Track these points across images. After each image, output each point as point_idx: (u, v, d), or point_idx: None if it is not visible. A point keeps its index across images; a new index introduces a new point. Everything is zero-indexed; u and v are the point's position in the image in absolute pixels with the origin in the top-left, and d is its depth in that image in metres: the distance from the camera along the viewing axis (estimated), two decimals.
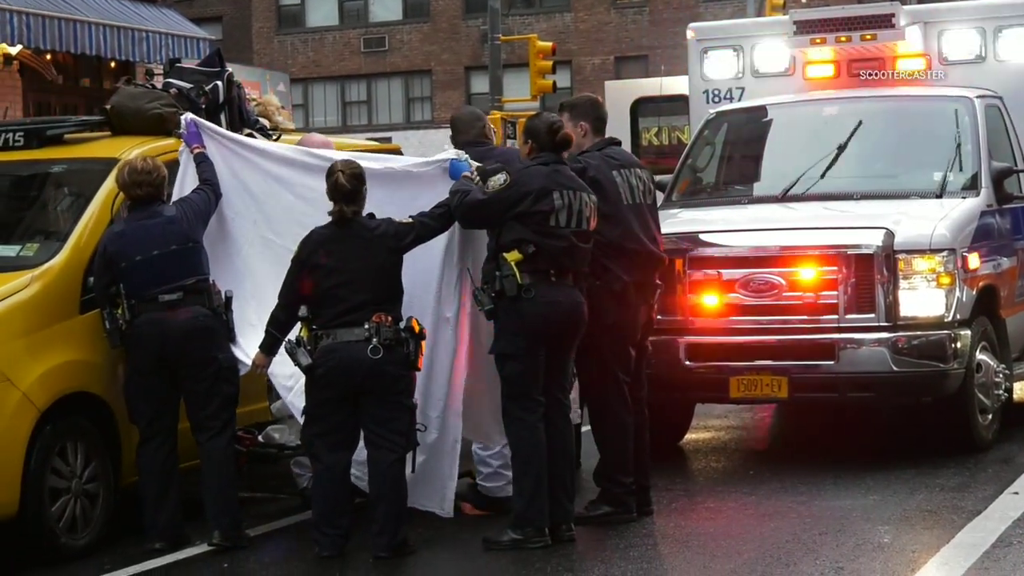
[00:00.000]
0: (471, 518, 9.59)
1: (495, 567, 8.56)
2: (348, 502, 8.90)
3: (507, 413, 8.94)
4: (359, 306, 8.66)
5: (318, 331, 8.71)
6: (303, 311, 8.81)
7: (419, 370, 8.84)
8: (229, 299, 9.23)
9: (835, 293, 10.70)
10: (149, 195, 9.19)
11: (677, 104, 20.58)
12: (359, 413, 8.73)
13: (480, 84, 49.56)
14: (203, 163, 9.58)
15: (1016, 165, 12.33)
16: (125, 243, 9.08)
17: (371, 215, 8.90)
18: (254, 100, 11.30)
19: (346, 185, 8.75)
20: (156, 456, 9.08)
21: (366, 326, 8.62)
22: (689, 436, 12.13)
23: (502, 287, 8.74)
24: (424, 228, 8.88)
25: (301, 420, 8.99)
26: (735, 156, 13.17)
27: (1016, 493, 9.90)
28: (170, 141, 10.12)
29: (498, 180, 8.79)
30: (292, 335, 8.89)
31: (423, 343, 8.79)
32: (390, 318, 8.67)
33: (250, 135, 10.67)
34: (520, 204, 8.74)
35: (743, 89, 13.57)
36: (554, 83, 32.92)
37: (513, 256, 8.72)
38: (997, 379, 11.41)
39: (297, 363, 8.76)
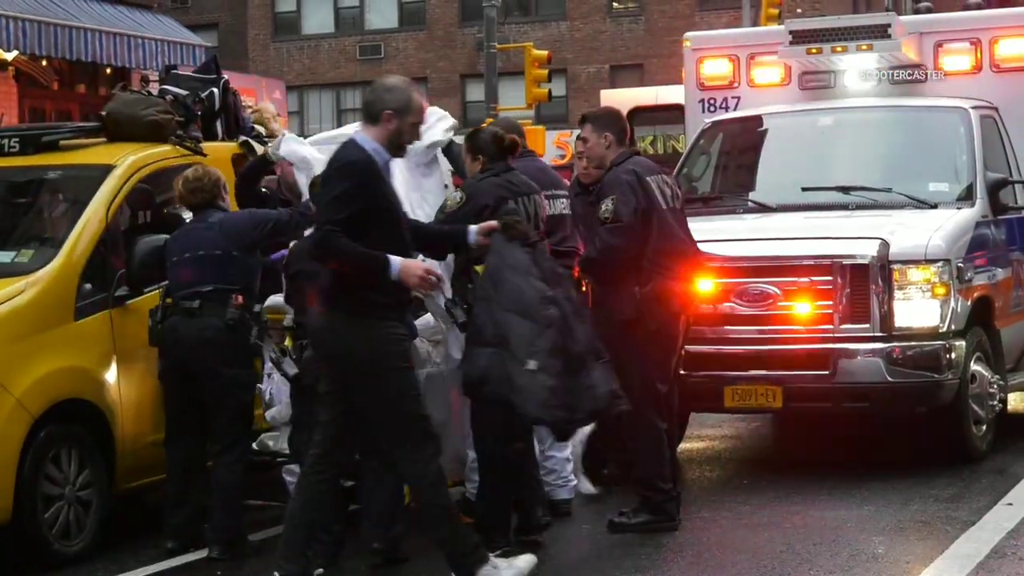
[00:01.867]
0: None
1: None
2: (342, 510, 8.87)
3: (472, 416, 8.96)
4: None
5: (304, 341, 8.70)
6: (288, 320, 8.87)
7: None
8: (256, 314, 9.20)
9: (830, 303, 10.71)
10: (205, 201, 9.33)
11: (673, 113, 20.58)
12: None
13: (476, 92, 49.56)
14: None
15: (1011, 176, 12.34)
16: (173, 242, 9.31)
17: None
18: (250, 107, 11.32)
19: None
20: (176, 456, 9.17)
21: None
22: (683, 446, 12.11)
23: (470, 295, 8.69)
24: None
25: None
26: (730, 166, 13.17)
27: (1010, 504, 9.90)
28: (165, 148, 10.14)
29: (454, 198, 8.83)
30: (274, 347, 8.95)
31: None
32: None
33: (245, 143, 10.68)
34: (479, 218, 8.66)
35: (739, 98, 13.58)
36: (549, 91, 32.96)
37: (482, 268, 8.66)
38: (992, 390, 11.41)
39: (283, 373, 8.80)
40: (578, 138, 9.67)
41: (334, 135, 9.73)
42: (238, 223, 9.29)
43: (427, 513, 7.84)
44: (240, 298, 9.10)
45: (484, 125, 9.50)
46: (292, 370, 8.72)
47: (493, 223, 8.30)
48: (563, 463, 9.90)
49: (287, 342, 8.83)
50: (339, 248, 7.46)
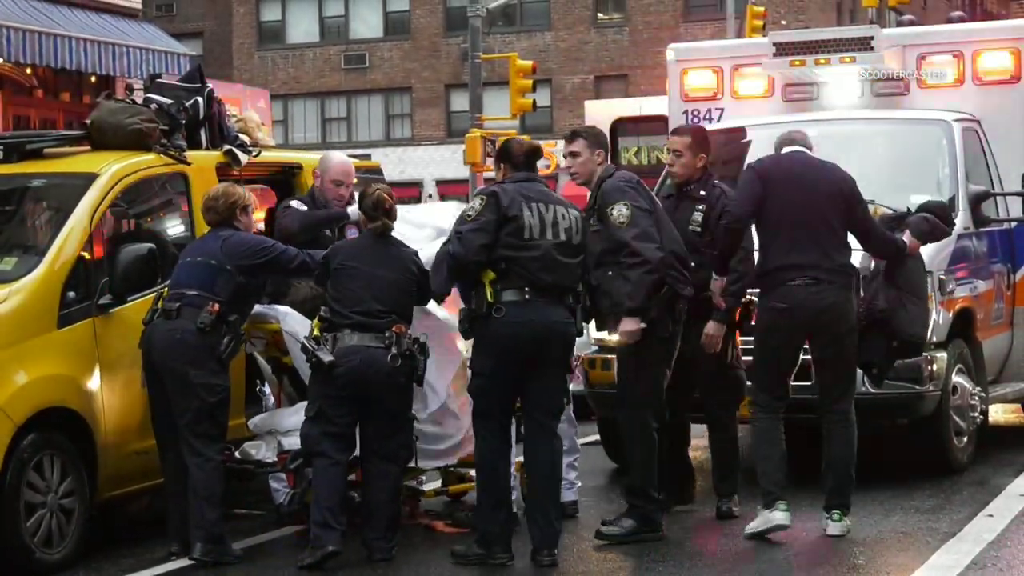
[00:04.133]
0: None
1: None
2: (348, 501, 9.19)
3: (474, 428, 9.04)
4: (381, 314, 8.96)
5: (337, 332, 8.93)
6: (324, 311, 9.07)
7: (421, 386, 9.20)
8: (231, 323, 9.20)
9: None
10: (216, 221, 9.45)
11: (656, 124, 20.58)
12: (360, 419, 9.03)
13: (460, 102, 49.61)
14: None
15: (993, 188, 12.38)
16: (187, 248, 9.53)
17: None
18: (234, 116, 11.30)
19: (387, 199, 9.20)
20: (170, 459, 9.23)
21: (386, 333, 8.90)
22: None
23: (476, 305, 8.77)
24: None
25: None
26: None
27: (991, 515, 9.93)
28: (149, 157, 10.13)
29: (474, 205, 8.86)
30: (307, 333, 9.16)
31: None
32: (407, 331, 8.99)
33: (230, 152, 10.68)
34: (500, 224, 8.75)
35: (722, 110, 13.60)
36: (534, 102, 32.97)
37: (487, 275, 8.74)
38: (973, 401, 11.44)
39: (317, 359, 8.89)
40: (567, 154, 9.62)
41: (428, 210, 10.08)
42: (240, 243, 9.36)
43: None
44: (216, 306, 9.12)
45: (510, 138, 9.56)
46: (328, 357, 8.85)
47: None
48: (570, 467, 10.08)
49: (314, 331, 9.00)
50: None
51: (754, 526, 9.43)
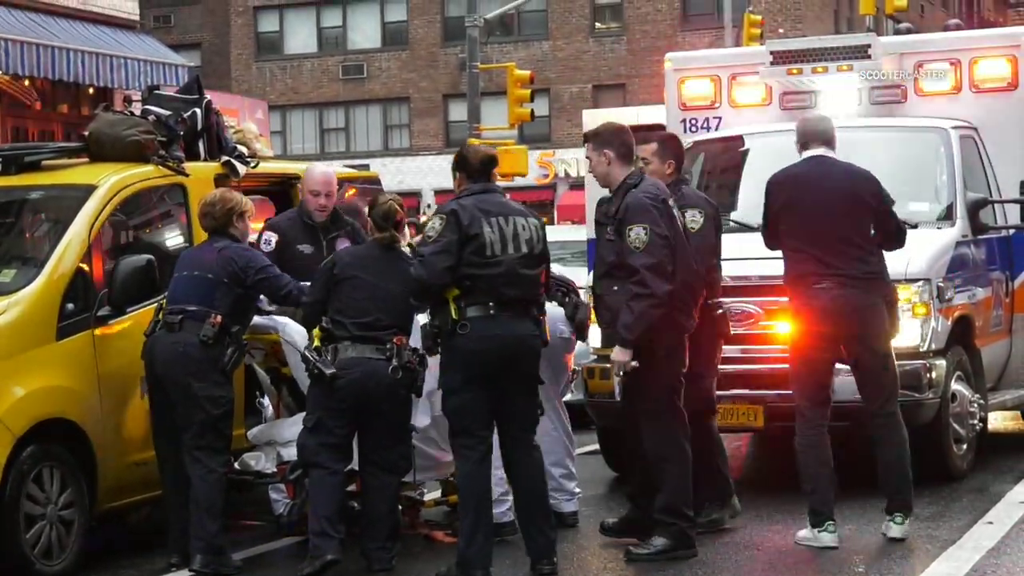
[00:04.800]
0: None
1: None
2: (347, 511, 9.20)
3: (452, 449, 8.93)
4: (384, 326, 8.95)
5: (338, 343, 8.91)
6: (324, 321, 9.03)
7: (420, 396, 9.20)
8: (234, 334, 9.20)
9: None
10: (212, 227, 9.44)
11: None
12: (360, 430, 9.03)
13: (458, 112, 49.63)
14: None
15: (991, 196, 12.39)
16: (182, 259, 9.49)
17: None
18: (232, 127, 11.31)
19: (399, 211, 9.22)
20: (171, 471, 9.24)
21: (388, 345, 8.90)
22: None
23: (441, 322, 8.68)
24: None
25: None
26: (712, 185, 13.17)
27: (991, 523, 9.93)
28: (148, 168, 10.14)
29: (435, 225, 8.70)
30: (306, 343, 9.15)
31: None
32: (408, 343, 8.98)
33: (228, 163, 10.69)
34: (462, 243, 8.66)
35: (720, 119, 13.62)
36: (532, 111, 32.98)
37: (451, 292, 8.64)
38: (972, 409, 11.44)
39: (319, 371, 8.84)
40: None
41: None
42: (237, 257, 9.31)
43: None
44: (219, 318, 9.12)
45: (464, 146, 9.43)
46: (329, 369, 8.82)
47: None
48: (568, 477, 10.13)
49: (315, 342, 8.96)
50: None
51: (802, 537, 9.49)
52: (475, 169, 8.90)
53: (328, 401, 8.92)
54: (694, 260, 9.36)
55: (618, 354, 9.10)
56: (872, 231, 9.65)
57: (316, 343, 9.00)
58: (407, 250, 9.25)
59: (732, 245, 11.71)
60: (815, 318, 9.47)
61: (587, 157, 9.61)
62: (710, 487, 9.80)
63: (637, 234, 9.00)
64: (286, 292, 9.43)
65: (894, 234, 9.81)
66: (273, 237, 10.36)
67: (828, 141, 9.87)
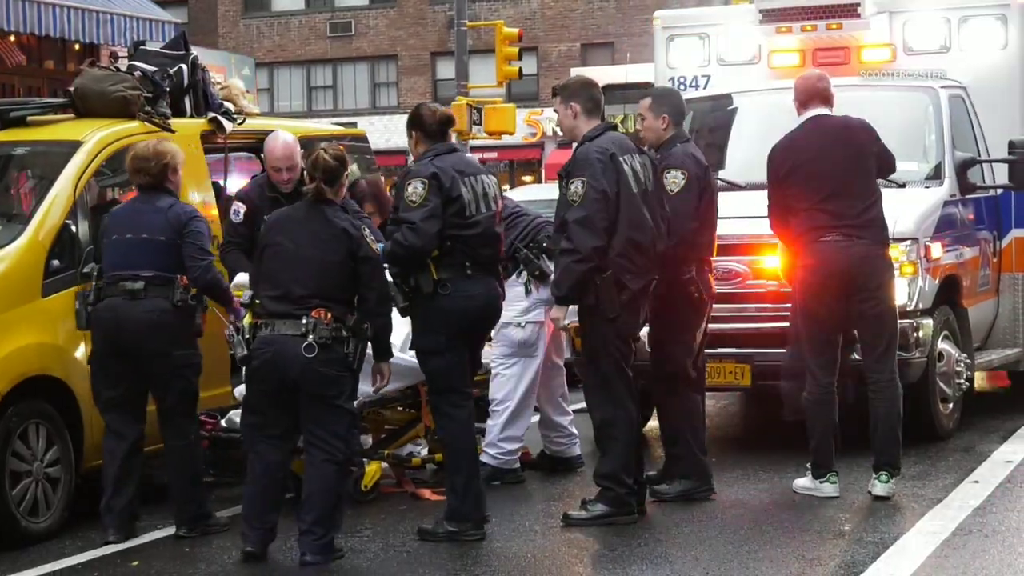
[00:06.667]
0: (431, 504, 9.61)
1: (433, 565, 8.33)
2: (279, 498, 8.57)
3: (436, 409, 8.90)
4: (296, 298, 8.21)
5: (259, 320, 8.28)
6: (245, 297, 8.56)
7: (357, 372, 8.40)
8: (199, 295, 8.99)
9: None
10: (149, 183, 9.05)
11: (643, 91, 20.56)
12: (299, 408, 8.31)
13: (446, 70, 49.48)
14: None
15: (979, 155, 12.38)
16: (114, 220, 9.05)
17: (354, 211, 9.06)
18: (219, 84, 11.28)
19: (329, 162, 8.34)
20: (119, 442, 8.95)
21: (304, 320, 8.14)
22: (651, 424, 12.13)
23: (418, 284, 8.60)
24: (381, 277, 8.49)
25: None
26: (700, 144, 13.10)
27: (977, 482, 9.96)
28: (134, 124, 10.10)
29: (417, 189, 8.56)
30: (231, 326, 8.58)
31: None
32: (330, 315, 8.16)
33: (214, 119, 10.65)
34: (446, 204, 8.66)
35: (709, 77, 13.59)
36: (520, 70, 32.84)
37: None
38: (958, 368, 11.47)
39: (233, 353, 8.50)
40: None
41: None
42: (180, 218, 8.90)
43: None
44: (184, 280, 8.87)
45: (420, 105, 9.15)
46: (242, 351, 8.31)
47: None
48: (571, 424, 10.63)
49: (247, 319, 8.37)
50: None
51: (802, 486, 9.65)
52: (433, 130, 8.84)
53: (251, 383, 8.47)
54: (662, 220, 9.14)
55: (553, 311, 9.14)
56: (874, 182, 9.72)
57: (247, 318, 8.38)
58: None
59: (719, 204, 11.72)
60: (822, 270, 9.46)
61: (554, 110, 9.57)
62: (687, 464, 9.71)
63: (575, 187, 8.86)
64: (204, 283, 8.90)
65: (891, 165, 9.92)
66: (242, 208, 10.15)
67: (827, 100, 9.85)
